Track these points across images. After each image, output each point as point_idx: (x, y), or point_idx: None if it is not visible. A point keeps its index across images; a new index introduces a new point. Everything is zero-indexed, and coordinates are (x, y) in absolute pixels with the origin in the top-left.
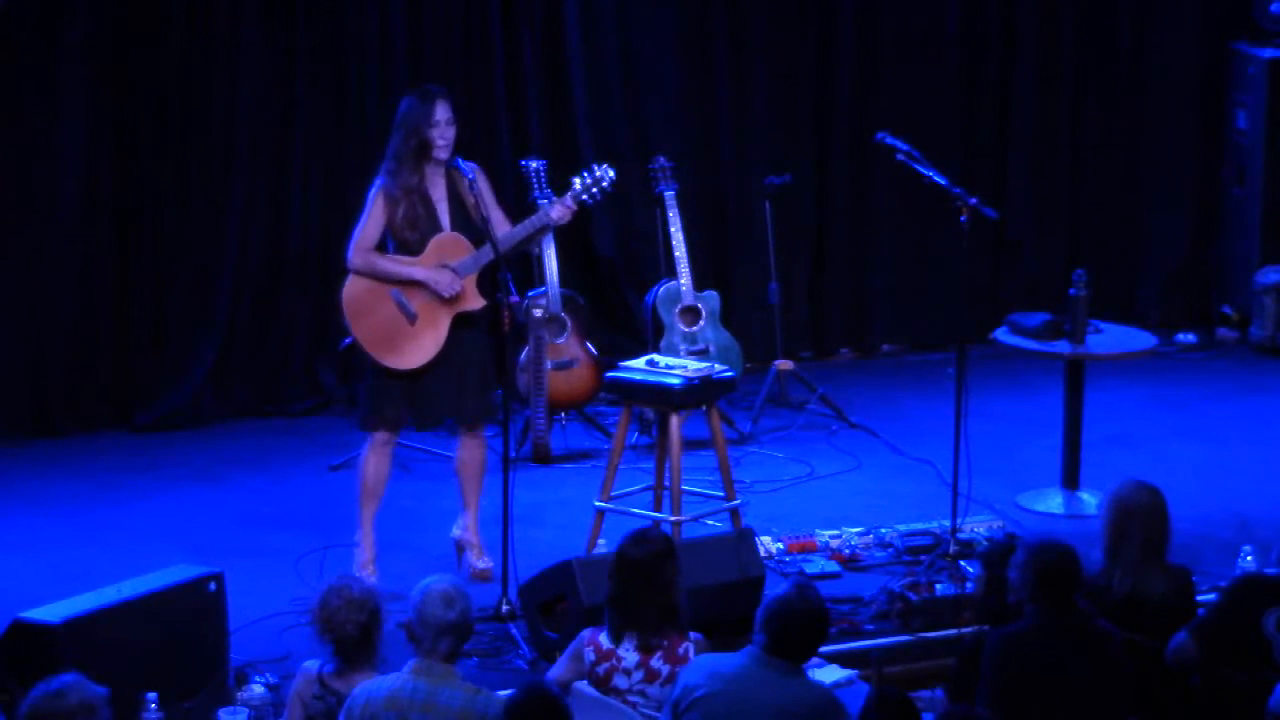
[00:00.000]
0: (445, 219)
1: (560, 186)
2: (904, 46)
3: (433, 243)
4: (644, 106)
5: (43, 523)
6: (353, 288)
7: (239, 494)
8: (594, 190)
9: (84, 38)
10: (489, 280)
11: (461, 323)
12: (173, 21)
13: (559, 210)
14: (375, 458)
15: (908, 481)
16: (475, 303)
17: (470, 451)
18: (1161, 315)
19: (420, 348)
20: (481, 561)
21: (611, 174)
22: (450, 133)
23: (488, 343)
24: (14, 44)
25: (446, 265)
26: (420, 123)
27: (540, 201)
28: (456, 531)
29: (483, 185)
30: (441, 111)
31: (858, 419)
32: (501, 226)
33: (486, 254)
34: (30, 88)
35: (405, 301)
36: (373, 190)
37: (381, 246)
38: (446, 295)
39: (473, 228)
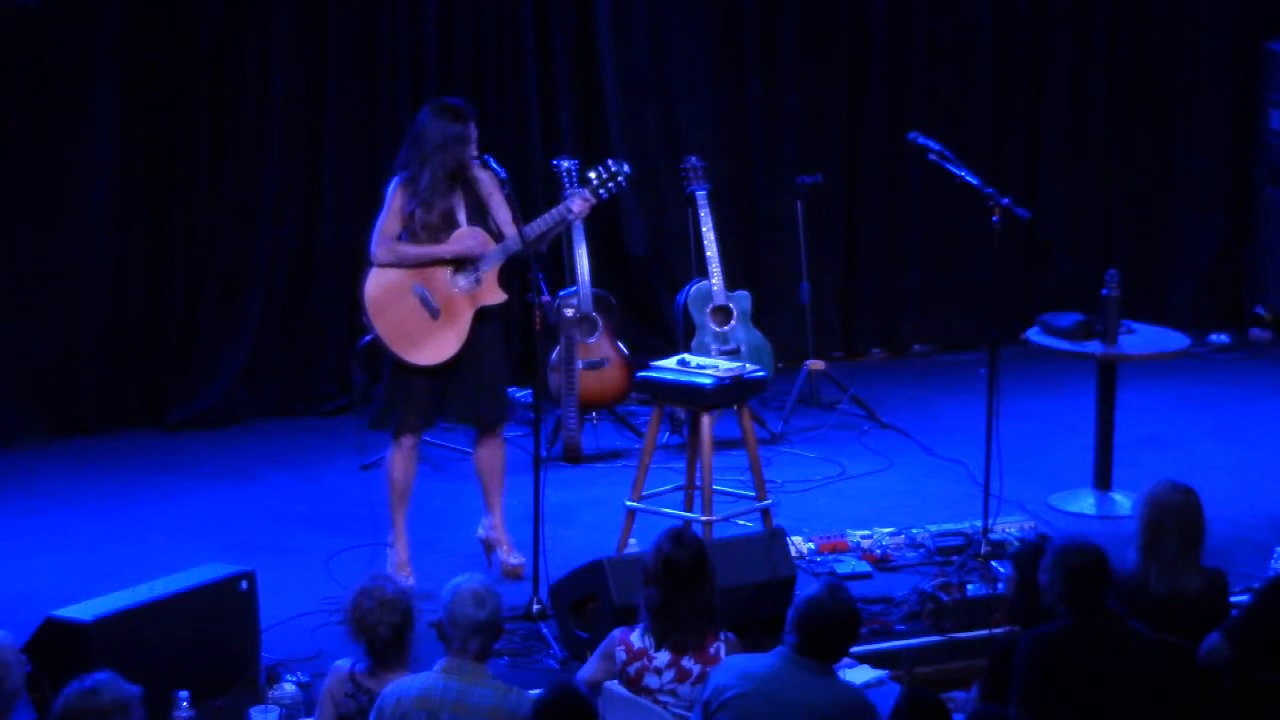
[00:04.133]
0: (462, 217)
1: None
2: (935, 47)
3: (454, 237)
4: (675, 106)
5: (75, 521)
6: (375, 284)
7: (270, 492)
8: (610, 184)
9: (115, 39)
10: (518, 278)
11: (480, 318)
12: (204, 23)
13: (578, 203)
14: (401, 459)
15: (939, 482)
16: (496, 297)
17: (490, 451)
18: (1194, 316)
19: (443, 343)
20: (513, 558)
21: (627, 168)
22: (475, 146)
23: (502, 340)
24: (47, 43)
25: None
26: (458, 148)
27: (572, 187)
28: (481, 532)
29: (496, 188)
30: (473, 130)
31: (889, 419)
32: (508, 228)
33: (509, 247)
34: (63, 87)
35: (428, 297)
36: (391, 186)
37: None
38: (479, 253)
39: (488, 224)
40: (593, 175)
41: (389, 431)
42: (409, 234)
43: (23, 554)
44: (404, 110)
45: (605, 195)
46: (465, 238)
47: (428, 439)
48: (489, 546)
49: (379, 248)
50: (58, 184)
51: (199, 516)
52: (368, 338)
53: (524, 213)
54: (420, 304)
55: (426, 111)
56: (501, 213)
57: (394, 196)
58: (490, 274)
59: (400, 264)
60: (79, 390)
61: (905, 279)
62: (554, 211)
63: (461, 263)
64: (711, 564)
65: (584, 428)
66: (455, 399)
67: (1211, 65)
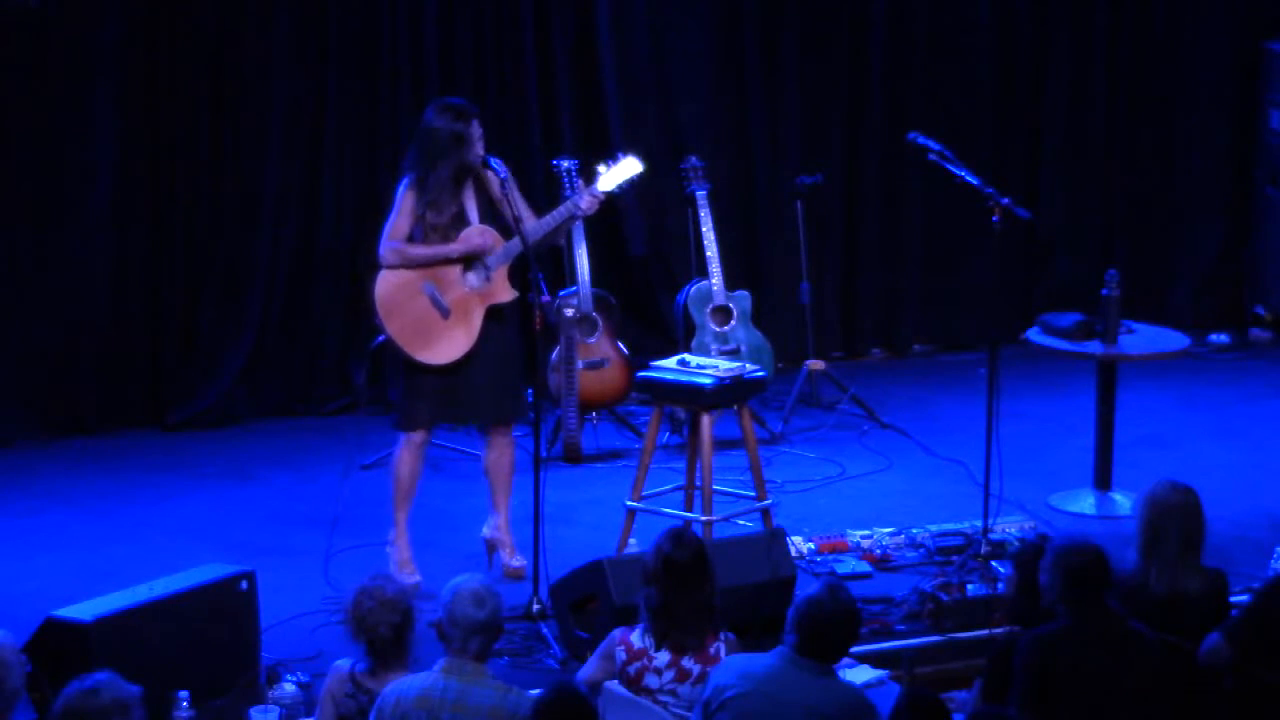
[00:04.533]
0: (474, 215)
1: (590, 181)
2: (936, 46)
3: (462, 236)
4: (676, 106)
5: (75, 521)
6: (385, 284)
7: (270, 492)
8: (621, 181)
9: (116, 39)
10: (520, 276)
11: (492, 317)
12: (205, 23)
13: (587, 200)
14: (409, 457)
15: (939, 481)
16: (506, 295)
17: (500, 451)
18: (1194, 316)
19: (454, 342)
20: (515, 560)
21: (639, 165)
22: (482, 145)
23: (517, 340)
24: (48, 44)
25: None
26: (461, 147)
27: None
28: (486, 531)
29: (511, 183)
30: (476, 128)
31: (889, 419)
32: (530, 221)
33: (516, 245)
34: (62, 88)
35: (438, 296)
36: (401, 187)
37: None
38: (486, 248)
39: (500, 222)
40: (602, 169)
41: (403, 430)
42: (420, 235)
43: (23, 554)
44: (404, 110)
45: (617, 191)
46: (474, 236)
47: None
48: (491, 546)
49: (386, 250)
50: (58, 184)
51: (199, 516)
52: (381, 338)
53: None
54: (430, 303)
55: (430, 111)
56: (524, 210)
57: (403, 198)
58: (500, 271)
59: (407, 265)
60: (79, 390)
61: (905, 279)
62: (562, 208)
63: (470, 261)
64: (711, 564)
65: (584, 428)
66: (465, 398)
67: (1211, 65)
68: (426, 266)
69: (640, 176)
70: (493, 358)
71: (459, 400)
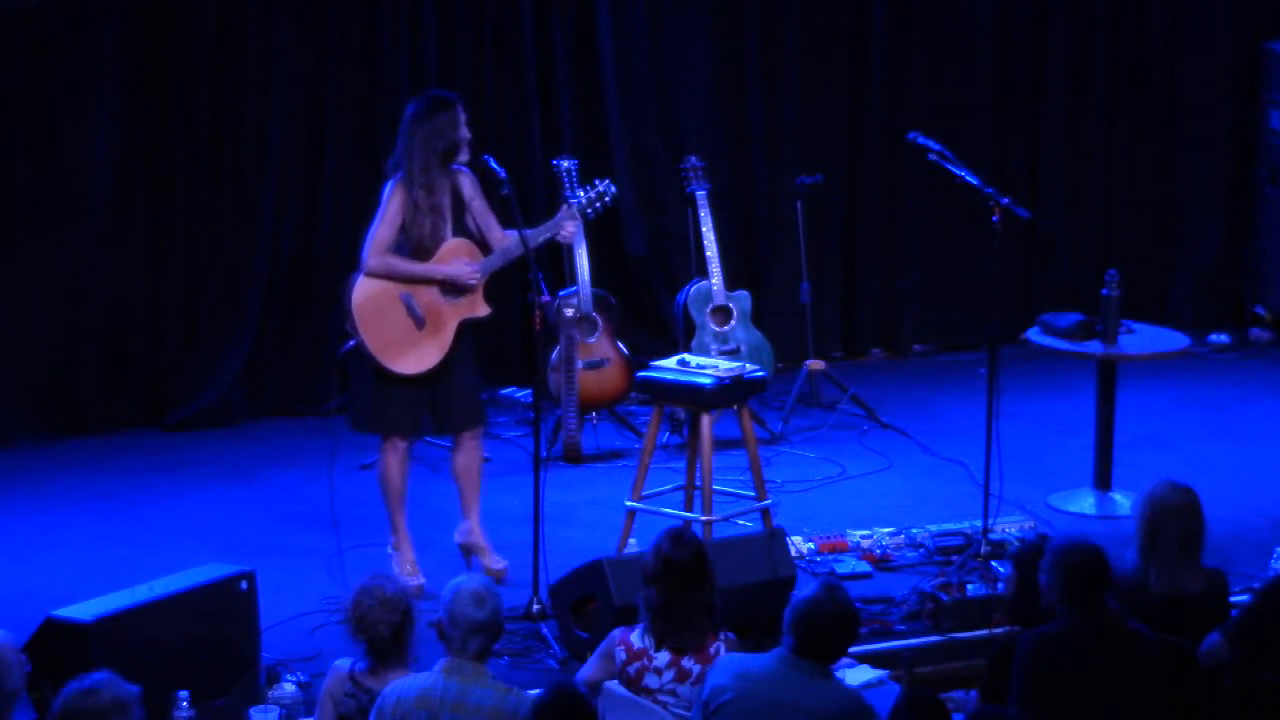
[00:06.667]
0: (448, 224)
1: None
2: (936, 46)
3: (443, 249)
4: (676, 106)
5: (75, 521)
6: (363, 291)
7: (270, 492)
8: (597, 204)
9: (116, 38)
10: (518, 278)
11: (460, 332)
12: (205, 23)
13: (570, 226)
14: (395, 462)
15: (939, 482)
16: (482, 310)
17: (469, 454)
18: (1194, 315)
19: (426, 354)
20: (497, 563)
21: (613, 189)
22: (467, 129)
23: (474, 348)
24: (46, 44)
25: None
26: (449, 128)
27: (570, 200)
28: (459, 537)
29: (478, 191)
30: (463, 115)
31: (889, 419)
32: (492, 231)
33: (496, 260)
34: (62, 88)
35: (414, 305)
36: (387, 190)
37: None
38: (472, 284)
39: (466, 229)
40: (581, 194)
41: (378, 435)
42: (409, 221)
43: (23, 554)
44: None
45: (592, 215)
46: (457, 252)
47: (429, 440)
48: (467, 551)
49: (372, 257)
50: (58, 185)
51: (199, 516)
52: (350, 343)
53: (524, 214)
54: (406, 312)
55: (412, 107)
56: (486, 217)
57: (389, 201)
58: (478, 286)
59: (391, 277)
60: (79, 390)
61: (905, 279)
62: (546, 226)
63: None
64: (711, 564)
65: (584, 428)
66: (436, 407)
67: (1211, 65)
68: (409, 283)
69: (614, 200)
70: (458, 363)
71: (429, 409)
